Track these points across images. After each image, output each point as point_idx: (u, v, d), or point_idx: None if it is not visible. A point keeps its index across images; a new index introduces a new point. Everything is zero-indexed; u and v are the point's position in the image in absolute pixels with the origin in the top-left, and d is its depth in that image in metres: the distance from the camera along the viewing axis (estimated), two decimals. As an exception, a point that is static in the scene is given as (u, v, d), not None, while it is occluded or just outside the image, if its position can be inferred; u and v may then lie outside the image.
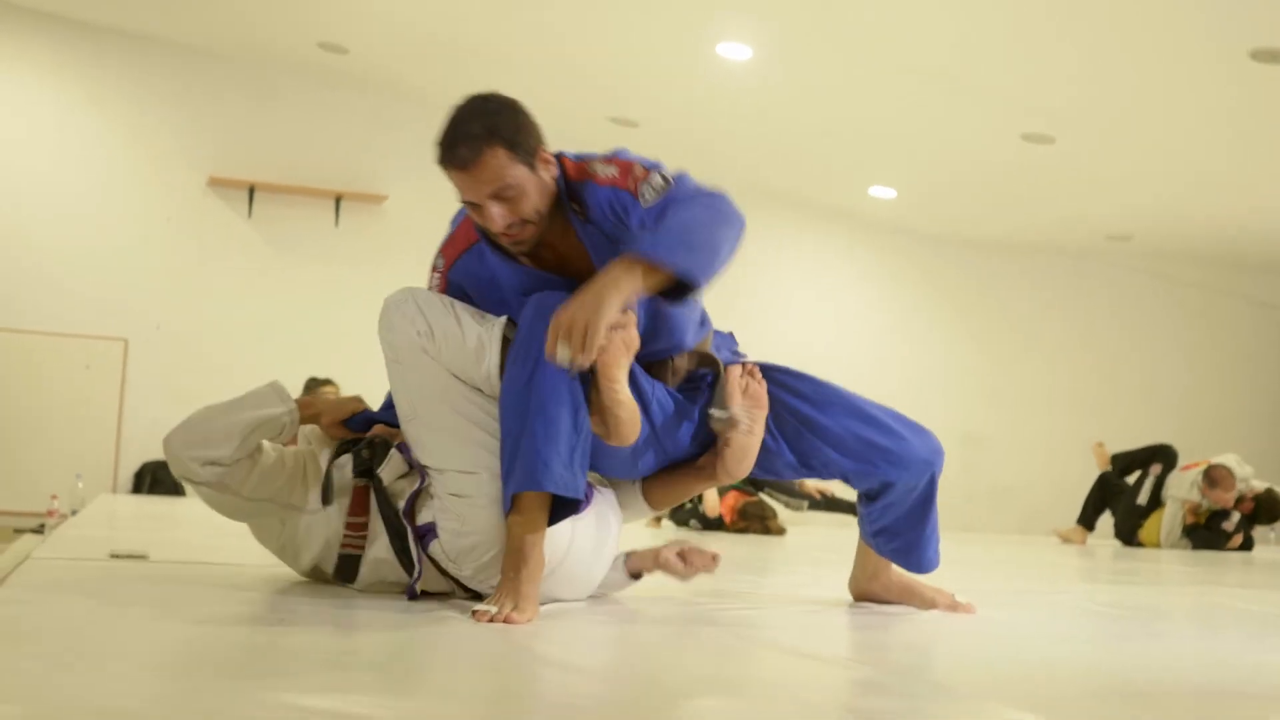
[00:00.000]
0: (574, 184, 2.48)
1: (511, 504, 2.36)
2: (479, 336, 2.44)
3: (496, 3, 7.90)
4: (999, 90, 8.31)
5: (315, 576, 2.72)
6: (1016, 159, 9.58)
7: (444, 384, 2.45)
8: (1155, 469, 8.79)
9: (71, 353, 9.15)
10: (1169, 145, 9.07)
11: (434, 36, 8.52)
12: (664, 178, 2.43)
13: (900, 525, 2.79)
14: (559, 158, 2.48)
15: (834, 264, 11.78)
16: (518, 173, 2.36)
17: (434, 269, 2.65)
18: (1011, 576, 4.80)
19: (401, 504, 2.52)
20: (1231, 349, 12.93)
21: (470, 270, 2.58)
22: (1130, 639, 2.55)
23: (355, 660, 1.83)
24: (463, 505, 2.44)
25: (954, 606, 2.84)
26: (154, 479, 9.11)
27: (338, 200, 9.79)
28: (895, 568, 2.87)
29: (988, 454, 11.65)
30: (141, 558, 3.17)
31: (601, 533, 2.59)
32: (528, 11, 7.96)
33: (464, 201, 2.42)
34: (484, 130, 2.34)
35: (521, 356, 2.36)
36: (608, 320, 2.20)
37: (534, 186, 2.39)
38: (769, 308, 10.75)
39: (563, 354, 2.19)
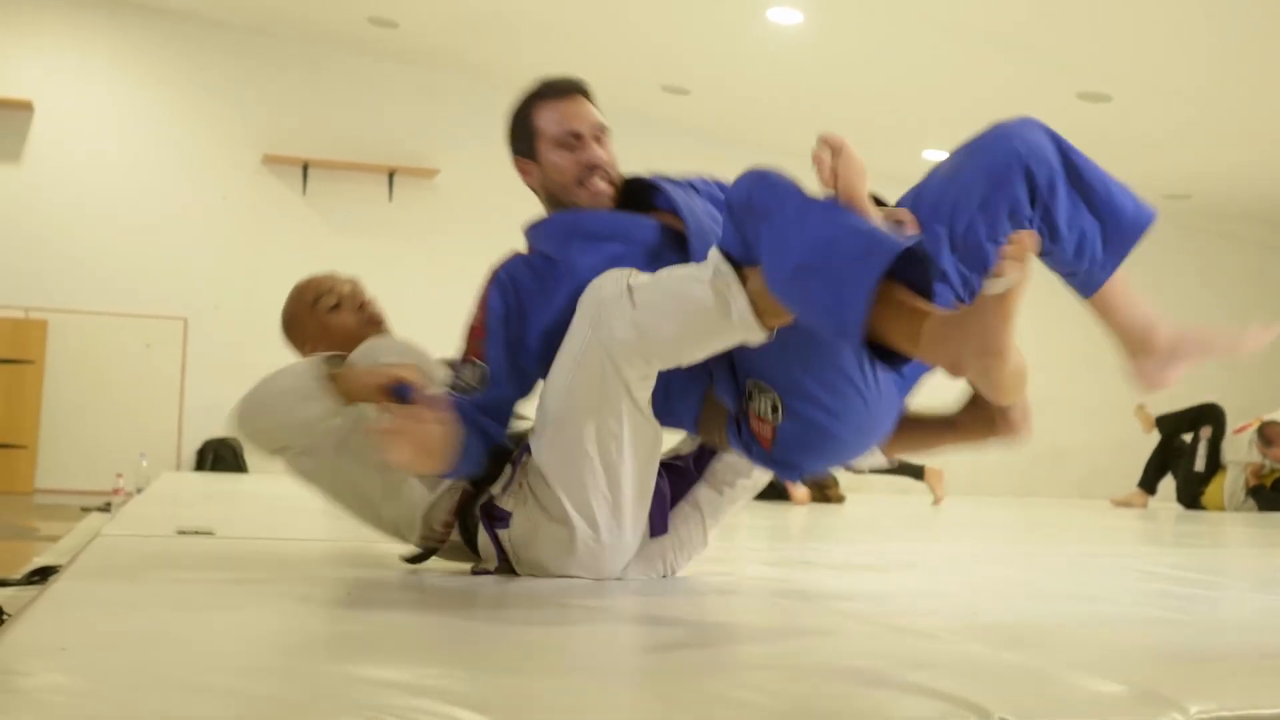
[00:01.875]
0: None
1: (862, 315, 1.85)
2: (709, 283, 2.05)
3: (544, -27, 7.89)
4: (1053, 48, 8.19)
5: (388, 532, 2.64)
6: (1072, 118, 9.44)
7: (613, 385, 2.19)
8: (1205, 432, 8.65)
9: (132, 333, 9.27)
10: (1227, 101, 8.91)
11: (483, 8, 8.52)
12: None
13: (1084, 209, 2.26)
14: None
15: (888, 229, 11.69)
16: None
17: (471, 333, 2.38)
18: (1073, 540, 4.77)
19: (484, 499, 2.44)
20: (1290, 307, 12.72)
21: (524, 285, 2.36)
22: (1194, 601, 2.52)
23: (427, 634, 1.85)
24: (539, 515, 2.34)
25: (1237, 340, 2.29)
26: (216, 456, 9.22)
27: (391, 175, 9.83)
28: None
29: (1044, 417, 11.50)
30: (208, 534, 3.21)
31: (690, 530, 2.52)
32: (576, -19, 7.95)
33: (565, 133, 2.42)
34: (576, 83, 2.50)
35: (795, 221, 1.98)
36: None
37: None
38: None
39: (1009, 277, 1.79)
